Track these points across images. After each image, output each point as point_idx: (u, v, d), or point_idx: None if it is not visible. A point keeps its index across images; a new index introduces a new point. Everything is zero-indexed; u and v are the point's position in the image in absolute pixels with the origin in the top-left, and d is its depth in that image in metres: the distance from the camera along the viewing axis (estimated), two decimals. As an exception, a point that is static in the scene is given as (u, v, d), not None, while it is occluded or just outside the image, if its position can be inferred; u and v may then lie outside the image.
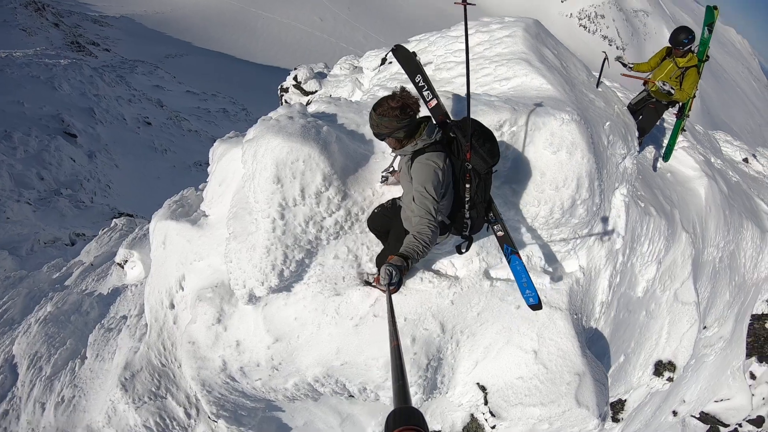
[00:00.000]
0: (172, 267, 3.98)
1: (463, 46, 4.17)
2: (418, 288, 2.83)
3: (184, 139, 21.98)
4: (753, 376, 6.38)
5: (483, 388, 3.10)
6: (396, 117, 1.99)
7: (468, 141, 2.09)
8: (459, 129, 2.16)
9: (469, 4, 2.11)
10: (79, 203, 14.16)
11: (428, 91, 2.79)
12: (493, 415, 2.97)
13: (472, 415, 3.71)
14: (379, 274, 1.81)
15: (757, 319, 6.03)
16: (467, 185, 2.18)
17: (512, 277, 3.04)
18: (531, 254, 3.09)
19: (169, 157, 19.73)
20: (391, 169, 2.77)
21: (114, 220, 6.77)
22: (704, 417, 6.63)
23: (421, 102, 2.63)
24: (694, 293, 4.38)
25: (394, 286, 1.72)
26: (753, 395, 5.80)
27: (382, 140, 2.15)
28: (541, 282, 3.08)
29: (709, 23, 3.94)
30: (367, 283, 2.88)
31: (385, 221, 2.63)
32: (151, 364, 3.57)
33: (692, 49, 3.98)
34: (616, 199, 3.31)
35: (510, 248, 2.61)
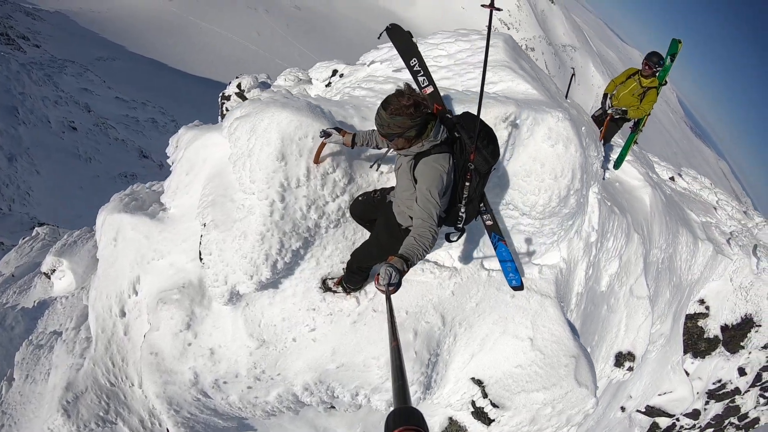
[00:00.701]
0: (125, 267, 3.54)
1: (444, 52, 4.44)
2: (419, 279, 2.84)
3: (110, 147, 21.77)
4: (686, 373, 7.27)
5: (479, 382, 3.15)
6: (410, 115, 1.93)
7: (474, 143, 2.12)
8: (464, 129, 2.17)
9: (497, 9, 2.12)
10: (-1, 210, 12.85)
11: (424, 77, 2.72)
12: (495, 406, 3.02)
13: (450, 418, 3.74)
14: (378, 275, 1.74)
15: (690, 318, 6.93)
16: (467, 183, 2.21)
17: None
18: (521, 245, 3.27)
19: (93, 167, 19.50)
20: (384, 157, 2.67)
21: (36, 228, 5.91)
22: (650, 410, 7.37)
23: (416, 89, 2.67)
24: (646, 288, 4.94)
25: (393, 286, 1.71)
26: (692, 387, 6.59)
27: (391, 141, 2.07)
28: (530, 272, 3.26)
29: (672, 53, 4.69)
30: (328, 289, 2.80)
31: (368, 209, 2.60)
32: (98, 384, 3.08)
33: (656, 72, 4.68)
34: (591, 197, 3.67)
35: (497, 236, 2.77)
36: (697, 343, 7.17)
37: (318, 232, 2.65)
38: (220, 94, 8.63)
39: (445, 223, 2.33)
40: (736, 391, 7.88)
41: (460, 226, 2.34)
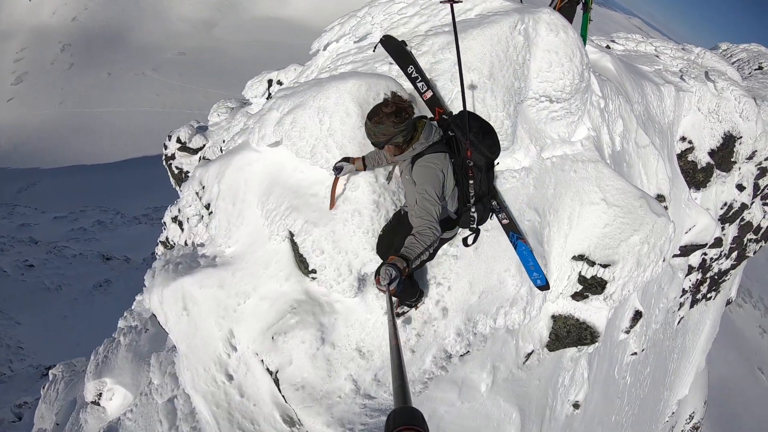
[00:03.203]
0: (211, 329, 3.68)
1: (405, 2, 4.98)
2: (506, 187, 3.40)
3: (73, 266, 22.83)
4: (693, 203, 8.62)
5: (581, 257, 3.81)
6: (393, 122, 2.12)
7: (467, 138, 2.29)
8: (457, 127, 2.36)
9: (456, 2, 2.44)
10: (1, 376, 14.15)
11: (422, 83, 2.94)
12: (605, 266, 3.69)
13: (552, 316, 4.38)
14: (379, 275, 1.92)
15: (680, 157, 8.28)
16: (471, 181, 2.37)
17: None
18: (561, 129, 3.95)
19: (66, 292, 20.65)
20: (393, 169, 2.82)
21: (50, 372, 5.69)
22: (683, 250, 8.68)
23: (416, 95, 2.96)
24: (646, 137, 5.98)
25: (393, 286, 1.86)
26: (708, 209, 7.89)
27: (381, 149, 2.29)
28: (575, 148, 3.96)
29: None
30: (397, 316, 3.06)
31: (393, 240, 2.82)
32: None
33: None
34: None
35: (516, 235, 3.06)
36: (694, 176, 8.57)
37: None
38: (163, 157, 8.68)
39: (459, 225, 2.51)
40: (743, 207, 9.52)
41: (474, 226, 2.51)
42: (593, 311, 4.43)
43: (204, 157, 8.68)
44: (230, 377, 3.68)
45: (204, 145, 8.93)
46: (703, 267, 11.20)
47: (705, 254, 10.63)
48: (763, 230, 11.03)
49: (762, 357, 35.55)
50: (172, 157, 8.79)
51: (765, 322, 40.31)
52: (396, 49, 3.04)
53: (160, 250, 8.68)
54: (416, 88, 2.94)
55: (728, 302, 14.43)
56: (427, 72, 3.13)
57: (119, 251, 25.16)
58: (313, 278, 3.12)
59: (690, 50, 8.51)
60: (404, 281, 2.72)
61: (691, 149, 8.35)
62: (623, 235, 3.67)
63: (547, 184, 3.61)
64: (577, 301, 4.44)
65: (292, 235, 3.15)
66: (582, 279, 3.98)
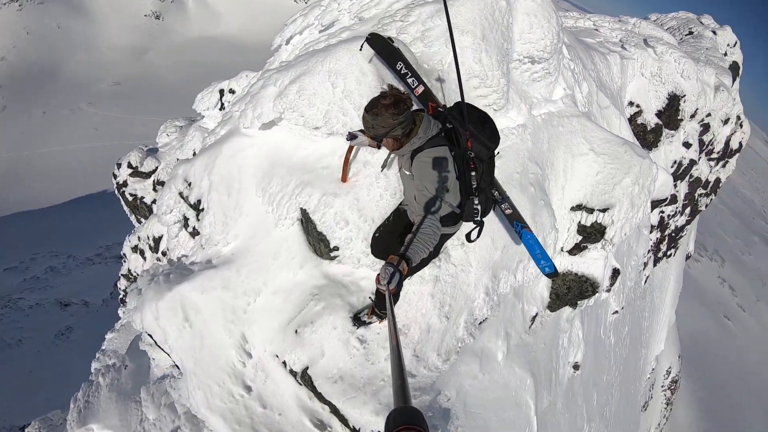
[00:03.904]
0: (221, 337, 3.49)
1: None
2: (507, 144, 3.57)
3: (30, 318, 22.84)
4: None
5: (579, 206, 4.07)
6: (391, 114, 2.12)
7: (466, 129, 2.29)
8: (455, 118, 2.36)
9: None
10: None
11: (413, 78, 2.95)
12: (604, 210, 3.98)
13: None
14: (379, 274, 1.94)
15: (630, 121, 9.06)
16: (473, 173, 2.35)
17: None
18: (541, 90, 4.23)
19: (27, 345, 20.48)
20: (389, 161, 2.79)
21: (26, 430, 5.10)
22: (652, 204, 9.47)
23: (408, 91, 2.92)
24: (606, 99, 6.51)
25: (393, 285, 1.88)
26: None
27: (379, 141, 2.29)
28: (556, 106, 4.24)
29: None
30: (363, 324, 3.01)
31: (391, 240, 2.80)
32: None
33: None
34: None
35: (520, 224, 3.06)
36: (645, 137, 9.42)
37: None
38: (115, 185, 8.32)
39: (463, 219, 2.52)
40: (692, 163, 10.57)
41: (478, 219, 2.51)
42: (590, 263, 4.72)
43: (158, 181, 8.40)
44: (248, 388, 3.47)
45: (156, 168, 8.72)
46: (662, 225, 12.27)
47: (662, 212, 11.67)
48: (711, 184, 12.30)
49: (726, 305, 39.43)
50: (124, 184, 8.46)
51: (723, 272, 44.73)
52: (383, 46, 3.00)
53: (122, 284, 8.24)
54: (407, 84, 2.96)
55: (687, 257, 15.87)
56: (419, 39, 3.23)
57: (76, 296, 25.02)
58: (335, 257, 3.06)
59: (626, 21, 9.40)
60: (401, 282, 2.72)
61: (639, 112, 9.17)
62: (616, 179, 3.98)
63: (542, 139, 3.84)
64: (574, 255, 4.71)
65: (304, 214, 3.08)
66: (581, 228, 4.24)
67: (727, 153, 12.08)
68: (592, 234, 4.32)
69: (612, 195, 3.96)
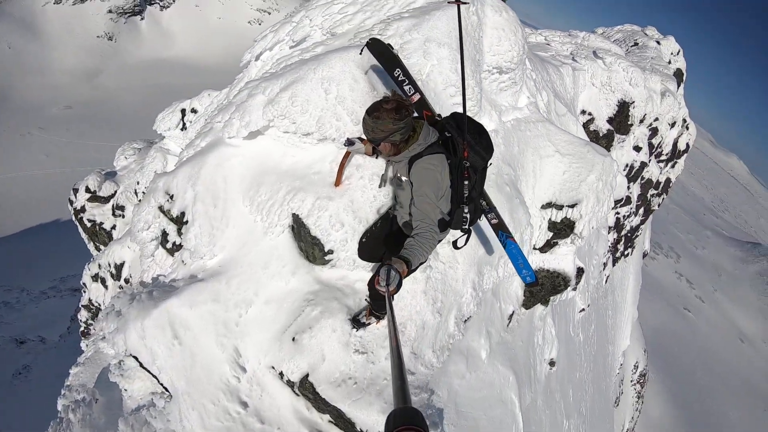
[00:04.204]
0: (212, 352, 3.48)
1: (345, 2, 5.32)
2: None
3: None
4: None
5: (549, 204, 4.42)
6: (393, 119, 2.20)
7: (465, 139, 2.40)
8: (453, 127, 2.46)
9: (463, 2, 2.74)
10: None
11: (409, 86, 3.07)
12: (572, 206, 4.35)
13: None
14: (379, 275, 1.99)
15: (584, 128, 9.80)
16: (465, 182, 2.45)
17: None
18: (509, 98, 4.60)
19: None
20: (387, 176, 2.84)
21: None
22: (609, 210, 10.22)
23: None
24: (563, 107, 7.07)
25: (393, 287, 1.94)
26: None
27: (377, 146, 2.36)
28: (521, 113, 4.63)
29: None
30: (362, 325, 3.09)
31: (376, 245, 2.92)
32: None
33: None
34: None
35: (505, 234, 3.20)
36: (598, 143, 10.20)
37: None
38: (72, 211, 7.97)
39: (451, 226, 2.59)
40: (643, 165, 11.50)
41: (466, 227, 2.61)
42: (560, 259, 5.10)
43: (117, 205, 8.18)
44: (244, 404, 3.42)
45: (115, 192, 8.51)
46: (618, 226, 13.17)
47: (618, 213, 12.56)
48: (662, 184, 13.38)
49: (685, 298, 42.27)
50: (82, 209, 8.15)
51: (679, 267, 47.98)
52: (382, 52, 3.12)
53: (83, 316, 7.81)
54: (403, 91, 3.07)
55: (644, 255, 17.03)
56: (398, 51, 3.47)
57: (32, 332, 24.32)
58: (329, 261, 3.16)
59: (575, 35, 10.25)
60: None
61: (591, 120, 9.95)
62: (581, 177, 4.37)
63: (512, 142, 4.17)
64: (545, 252, 5.06)
65: (296, 220, 3.17)
66: (552, 225, 4.60)
67: (675, 154, 13.22)
68: (562, 230, 4.68)
69: (579, 191, 4.34)
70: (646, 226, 15.67)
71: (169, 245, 4.25)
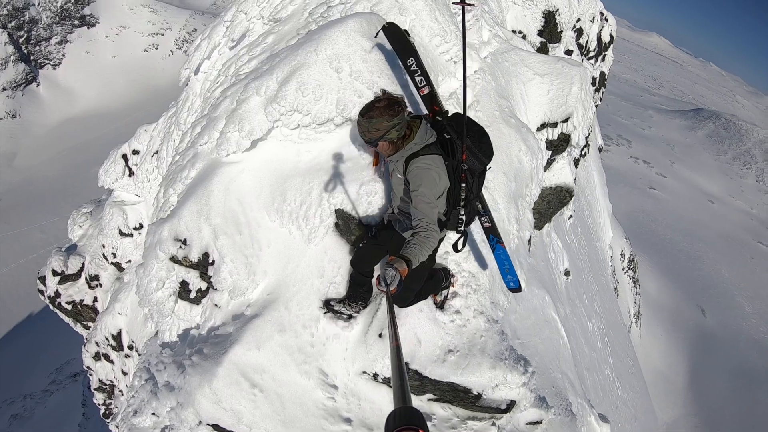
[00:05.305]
0: (299, 385, 3.30)
1: None
2: (479, 88, 3.97)
3: None
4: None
5: (543, 125, 4.72)
6: (387, 115, 2.23)
7: (464, 142, 2.41)
8: (453, 129, 2.47)
9: (468, 4, 2.63)
10: None
11: (421, 77, 3.01)
12: (565, 121, 4.67)
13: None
14: (379, 276, 2.04)
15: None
16: (463, 185, 2.47)
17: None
18: (474, 36, 4.70)
19: None
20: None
21: None
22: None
23: (414, 89, 3.03)
24: (508, 31, 7.31)
25: (393, 286, 1.97)
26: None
27: (375, 147, 2.40)
28: (492, 47, 4.77)
29: None
30: (334, 312, 3.20)
31: (375, 252, 2.91)
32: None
33: None
34: None
35: (495, 238, 3.25)
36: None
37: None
38: (46, 300, 7.47)
39: (447, 227, 2.62)
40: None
41: (461, 229, 2.64)
42: (560, 173, 5.46)
43: (91, 276, 7.68)
44: (348, 420, 3.32)
45: (83, 264, 7.99)
46: (572, 130, 14.07)
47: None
48: (597, 80, 14.31)
49: (647, 178, 46.08)
50: (57, 295, 7.62)
51: (632, 151, 51.90)
52: (398, 38, 3.03)
53: (99, 398, 7.40)
54: (414, 82, 3.04)
55: (600, 150, 18.34)
56: (372, 7, 3.40)
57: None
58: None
59: None
60: (422, 280, 2.77)
61: (524, 37, 10.36)
62: (565, 91, 4.66)
63: (498, 76, 4.35)
64: (546, 171, 5.40)
65: (341, 215, 3.10)
66: (549, 143, 4.89)
67: (602, 48, 14.09)
68: (559, 145, 4.99)
69: (567, 105, 4.63)
70: (594, 122, 16.82)
71: (192, 295, 4.05)
